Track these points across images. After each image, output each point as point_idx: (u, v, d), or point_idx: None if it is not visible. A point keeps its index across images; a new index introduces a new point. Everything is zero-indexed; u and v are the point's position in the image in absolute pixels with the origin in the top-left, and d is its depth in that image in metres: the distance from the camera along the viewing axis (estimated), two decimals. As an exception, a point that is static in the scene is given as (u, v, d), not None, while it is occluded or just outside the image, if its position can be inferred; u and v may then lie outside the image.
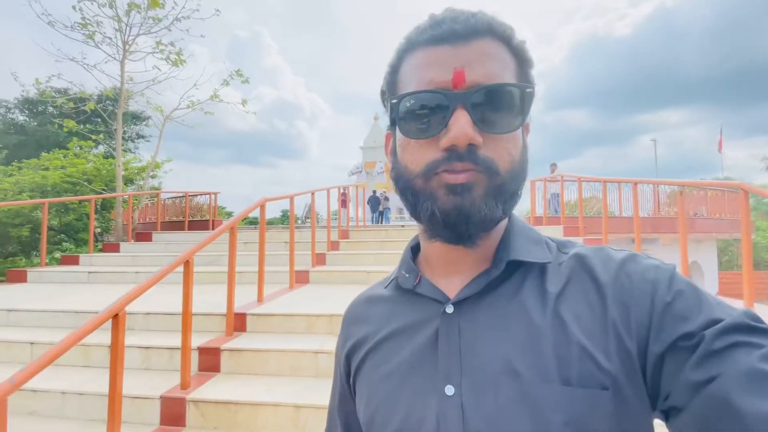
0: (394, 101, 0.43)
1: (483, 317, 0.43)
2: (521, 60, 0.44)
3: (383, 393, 0.46)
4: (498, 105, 0.40)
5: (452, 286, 0.46)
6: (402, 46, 0.45)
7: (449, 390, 0.41)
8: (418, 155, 0.42)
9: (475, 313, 0.44)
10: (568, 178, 7.33)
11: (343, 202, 8.62)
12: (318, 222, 12.72)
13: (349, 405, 0.54)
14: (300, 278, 4.89)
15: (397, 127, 0.45)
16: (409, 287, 0.49)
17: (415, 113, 0.42)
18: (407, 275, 0.50)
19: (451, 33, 0.41)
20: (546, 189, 8.45)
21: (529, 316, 0.41)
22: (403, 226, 8.98)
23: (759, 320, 0.35)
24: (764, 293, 16.71)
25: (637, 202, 5.07)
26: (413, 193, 0.43)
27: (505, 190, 0.41)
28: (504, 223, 0.48)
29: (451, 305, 0.45)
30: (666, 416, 0.36)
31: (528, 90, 0.41)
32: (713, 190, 9.89)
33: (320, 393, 2.43)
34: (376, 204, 13.68)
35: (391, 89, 0.46)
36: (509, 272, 0.44)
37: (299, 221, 13.82)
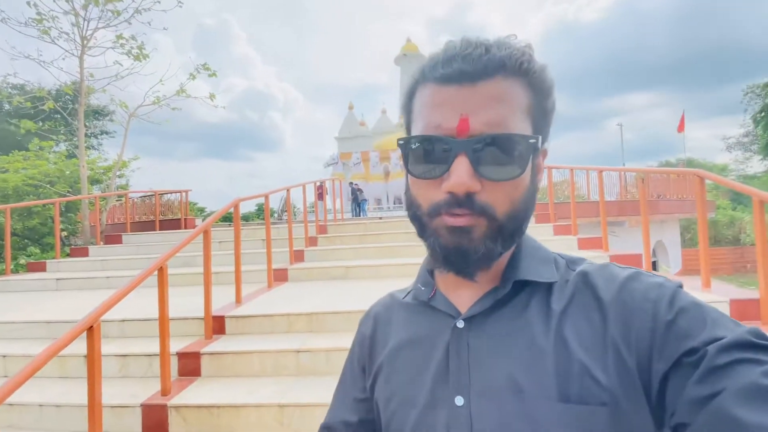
0: (401, 142, 0.46)
1: (490, 333, 0.46)
2: (538, 90, 0.44)
3: (400, 398, 0.49)
4: (499, 154, 0.41)
5: (464, 300, 0.49)
6: (416, 76, 0.47)
7: (459, 401, 0.44)
8: (424, 194, 0.45)
9: (484, 329, 0.46)
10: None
11: (320, 196, 8.59)
12: (295, 217, 12.62)
13: (364, 397, 0.57)
14: (278, 276, 4.89)
15: (406, 165, 0.47)
16: (425, 299, 0.52)
17: (420, 155, 0.44)
18: (423, 288, 0.54)
19: (460, 74, 0.42)
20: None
21: (532, 334, 0.43)
22: (381, 218, 9.03)
23: (763, 337, 0.36)
24: (724, 268, 17.70)
25: (603, 188, 5.29)
26: (420, 225, 0.47)
27: (503, 231, 0.43)
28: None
29: (461, 320, 0.48)
30: None
31: (531, 141, 0.42)
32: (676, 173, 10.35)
33: (303, 391, 2.48)
34: (353, 196, 13.66)
35: (406, 114, 0.49)
36: (517, 290, 0.47)
37: (275, 215, 13.66)
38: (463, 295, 0.49)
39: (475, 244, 0.43)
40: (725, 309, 2.89)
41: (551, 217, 6.46)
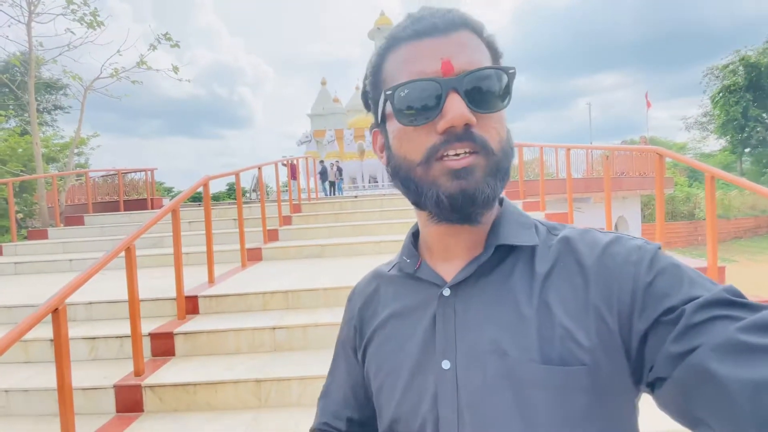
0: (389, 92, 0.45)
1: (476, 300, 0.47)
2: (493, 50, 0.48)
3: (389, 367, 0.51)
4: (486, 87, 0.43)
5: (450, 269, 0.50)
6: (384, 45, 0.48)
7: (446, 364, 0.46)
8: (417, 142, 0.44)
9: (470, 296, 0.47)
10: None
11: (293, 174, 8.45)
12: (268, 196, 12.37)
13: (357, 375, 0.59)
14: (252, 256, 4.84)
15: (388, 121, 0.47)
16: (410, 271, 0.53)
17: (410, 102, 0.44)
18: (408, 260, 0.54)
19: (432, 27, 0.44)
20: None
21: (517, 300, 0.45)
22: (356, 196, 9.00)
23: (739, 295, 0.37)
24: (681, 241, 18.84)
25: (569, 165, 5.47)
26: (415, 182, 0.46)
27: (500, 167, 0.45)
28: (496, 208, 0.51)
29: (447, 288, 0.49)
30: (652, 388, 0.39)
31: (511, 71, 0.45)
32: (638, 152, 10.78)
33: (280, 367, 2.51)
34: (325, 175, 13.47)
35: (375, 87, 0.49)
36: (502, 256, 0.48)
37: (247, 195, 13.36)
38: (449, 264, 0.50)
39: (480, 184, 0.43)
40: None
41: (521, 193, 6.65)
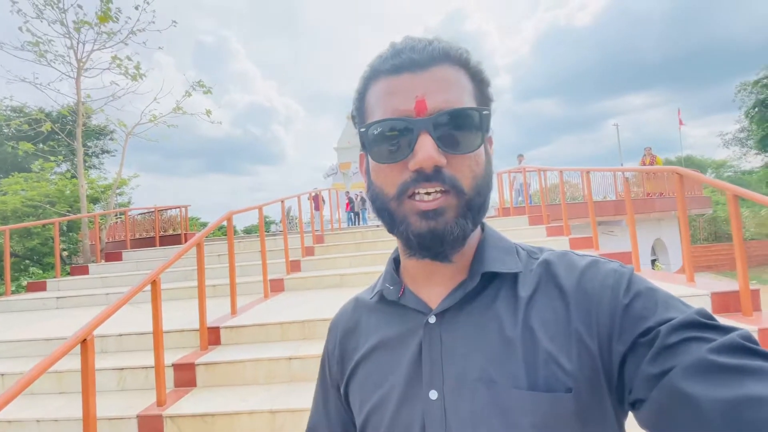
0: (362, 130, 0.45)
1: (462, 327, 0.46)
2: (478, 81, 0.47)
3: (374, 400, 0.49)
4: (458, 128, 0.43)
5: (434, 296, 0.49)
6: (366, 74, 0.48)
7: (433, 394, 0.45)
8: (390, 178, 0.45)
9: (456, 323, 0.47)
10: (530, 168, 7.63)
11: (317, 206, 8.67)
12: (295, 227, 12.66)
13: (339, 409, 0.58)
14: (275, 287, 4.95)
15: (368, 153, 0.47)
16: (394, 299, 0.52)
17: (382, 140, 0.44)
18: (391, 287, 0.53)
19: (410, 62, 0.44)
20: (512, 180, 8.75)
21: (502, 326, 0.45)
22: (378, 225, 9.09)
23: (710, 317, 0.38)
24: (727, 264, 17.63)
25: (591, 188, 5.36)
26: (389, 214, 0.46)
27: (472, 206, 0.44)
28: (477, 234, 0.51)
29: (433, 316, 0.48)
30: (633, 408, 0.39)
31: (485, 112, 0.44)
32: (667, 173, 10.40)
33: (294, 397, 2.53)
34: (352, 205, 13.74)
35: (359, 114, 0.50)
36: (486, 283, 0.48)
37: (278, 226, 13.73)
38: (432, 290, 0.50)
39: (449, 224, 0.43)
40: (707, 302, 2.94)
41: (544, 218, 6.52)
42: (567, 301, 0.44)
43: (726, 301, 2.93)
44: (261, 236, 4.69)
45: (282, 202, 5.80)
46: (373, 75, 0.47)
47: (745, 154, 26.22)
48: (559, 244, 5.43)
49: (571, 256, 0.48)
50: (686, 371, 0.34)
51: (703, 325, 0.37)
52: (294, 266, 5.74)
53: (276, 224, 13.76)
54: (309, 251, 6.51)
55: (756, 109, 22.02)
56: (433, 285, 0.50)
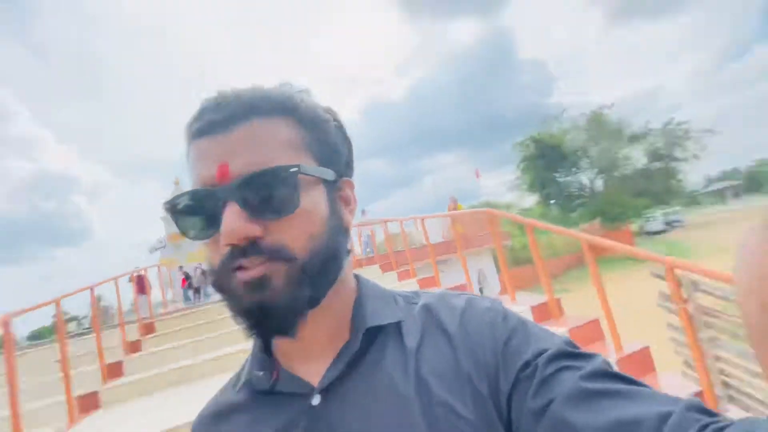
0: (167, 206, 0.41)
1: (352, 398, 0.41)
2: (314, 125, 0.43)
3: None
4: (267, 191, 0.38)
5: (314, 368, 0.43)
6: (185, 136, 0.43)
7: None
8: (209, 253, 0.41)
9: (345, 396, 0.41)
10: (374, 221, 8.21)
11: (141, 289, 7.27)
12: (113, 319, 10.28)
13: None
14: (86, 405, 3.78)
15: (180, 231, 0.42)
16: (266, 388, 0.43)
17: (189, 213, 0.40)
18: (261, 373, 0.44)
19: (210, 125, 0.40)
20: (359, 233, 9.21)
21: (395, 385, 0.41)
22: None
23: (575, 346, 0.40)
24: (526, 283, 21.98)
25: (427, 234, 6.04)
26: (219, 289, 0.41)
27: (307, 271, 0.39)
28: (353, 285, 0.47)
29: (317, 395, 0.41)
30: None
31: (293, 170, 0.39)
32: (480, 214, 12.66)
33: None
34: (188, 280, 11.99)
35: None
36: (370, 338, 0.44)
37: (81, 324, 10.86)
38: (311, 364, 0.43)
39: (277, 295, 0.38)
40: (528, 314, 3.59)
41: (393, 264, 6.96)
42: (454, 344, 0.43)
43: (541, 311, 3.65)
44: (60, 338, 3.59)
45: (91, 289, 4.64)
46: (186, 138, 0.43)
47: (522, 196, 34.20)
48: (410, 286, 5.82)
49: (449, 298, 0.47)
50: (565, 400, 0.35)
51: (571, 354, 0.39)
52: (113, 370, 4.53)
53: (78, 321, 10.86)
54: (134, 347, 5.28)
55: (523, 163, 29.94)
56: (312, 355, 0.44)
